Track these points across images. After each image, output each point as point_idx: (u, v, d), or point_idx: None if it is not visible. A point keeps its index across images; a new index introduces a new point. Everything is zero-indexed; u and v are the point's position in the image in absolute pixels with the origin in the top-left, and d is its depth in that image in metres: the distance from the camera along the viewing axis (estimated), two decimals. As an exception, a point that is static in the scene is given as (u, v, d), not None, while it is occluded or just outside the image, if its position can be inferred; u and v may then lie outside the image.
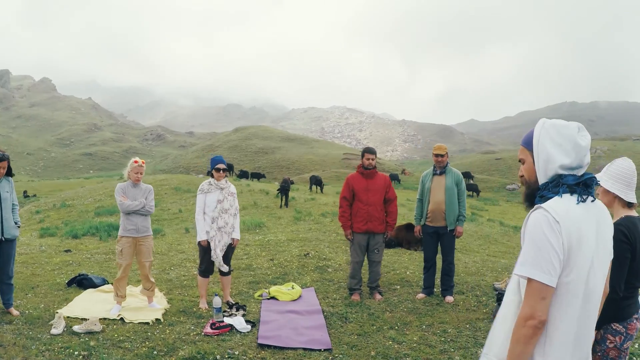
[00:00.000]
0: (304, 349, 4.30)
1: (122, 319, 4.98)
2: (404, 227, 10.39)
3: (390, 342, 4.51)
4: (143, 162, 5.32)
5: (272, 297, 5.94)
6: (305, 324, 4.94)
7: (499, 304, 4.97)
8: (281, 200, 16.55)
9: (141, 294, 5.54)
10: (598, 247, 1.76)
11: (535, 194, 1.85)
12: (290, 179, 19.90)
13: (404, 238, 10.17)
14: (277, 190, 17.68)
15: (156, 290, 5.67)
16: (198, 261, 5.68)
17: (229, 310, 5.18)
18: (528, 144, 1.87)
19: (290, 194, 17.71)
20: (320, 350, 4.29)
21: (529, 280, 1.69)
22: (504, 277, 6.67)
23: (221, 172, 5.48)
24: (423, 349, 4.38)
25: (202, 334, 4.59)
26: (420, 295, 5.99)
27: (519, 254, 1.75)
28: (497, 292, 5.92)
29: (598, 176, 2.66)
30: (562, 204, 1.72)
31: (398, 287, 6.47)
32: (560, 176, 1.78)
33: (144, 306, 5.37)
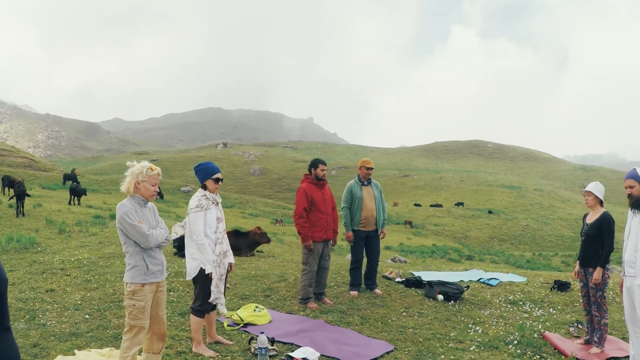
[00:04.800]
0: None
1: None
2: (232, 234, 10.57)
3: (410, 330, 5.46)
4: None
5: (249, 324, 5.63)
6: (334, 337, 5.20)
7: (428, 286, 6.56)
8: (17, 207, 13.72)
9: None
10: None
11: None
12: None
13: (232, 245, 10.32)
14: (12, 196, 14.76)
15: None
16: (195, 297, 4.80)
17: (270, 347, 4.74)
18: (636, 178, 4.09)
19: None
20: (389, 351, 4.84)
21: None
22: (388, 269, 8.32)
23: (219, 183, 4.82)
24: (434, 322, 5.61)
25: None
26: (354, 293, 6.95)
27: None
28: (400, 280, 7.53)
29: (592, 190, 4.91)
30: None
31: (326, 290, 7.15)
32: None
33: None
